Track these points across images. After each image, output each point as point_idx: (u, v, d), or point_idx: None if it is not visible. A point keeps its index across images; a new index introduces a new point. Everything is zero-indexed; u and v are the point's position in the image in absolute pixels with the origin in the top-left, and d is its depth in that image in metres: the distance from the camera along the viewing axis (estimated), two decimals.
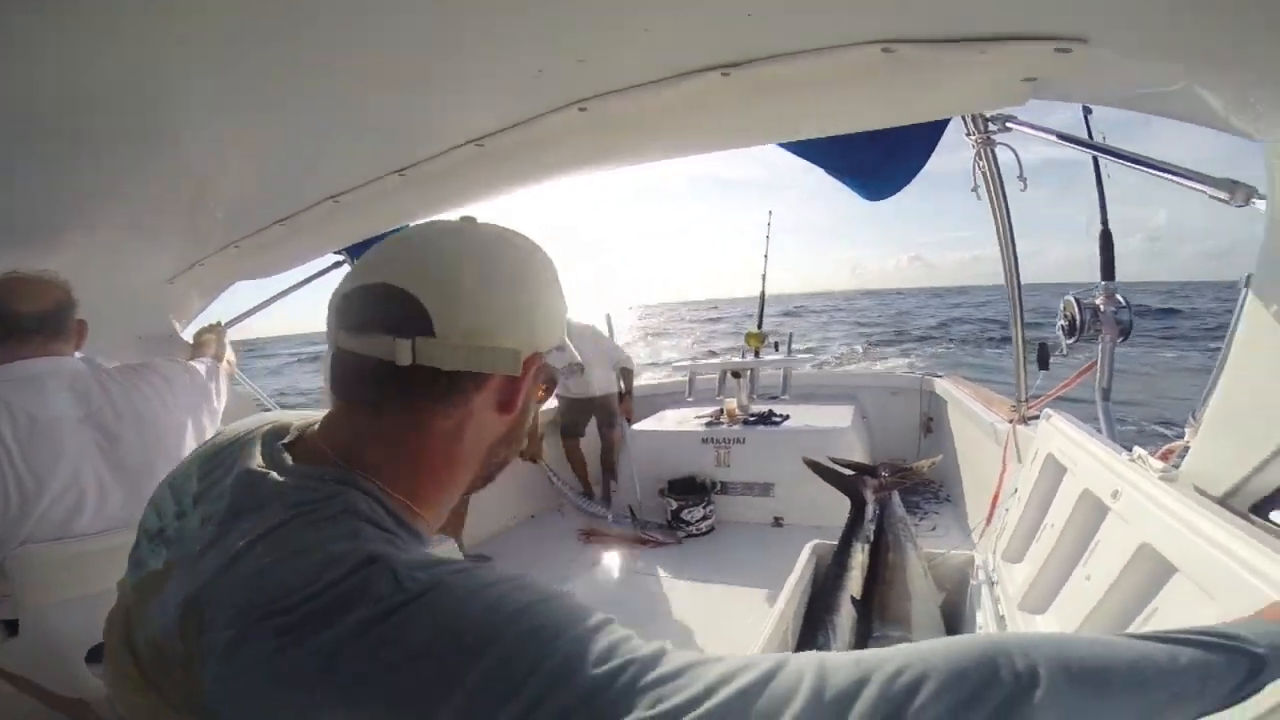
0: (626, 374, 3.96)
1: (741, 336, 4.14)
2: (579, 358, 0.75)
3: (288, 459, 0.54)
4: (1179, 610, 1.07)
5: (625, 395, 3.94)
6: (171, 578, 0.50)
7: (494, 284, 0.55)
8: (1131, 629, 1.18)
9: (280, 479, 0.51)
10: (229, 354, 1.80)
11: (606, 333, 4.20)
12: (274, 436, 0.57)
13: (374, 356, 0.51)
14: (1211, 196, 1.04)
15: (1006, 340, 2.56)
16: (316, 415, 0.61)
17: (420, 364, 0.51)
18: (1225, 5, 0.71)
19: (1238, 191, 1.00)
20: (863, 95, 1.06)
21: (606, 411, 3.96)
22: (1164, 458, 1.41)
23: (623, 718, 0.38)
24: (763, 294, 4.18)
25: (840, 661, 0.42)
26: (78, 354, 1.39)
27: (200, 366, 1.57)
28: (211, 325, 1.90)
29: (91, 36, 0.84)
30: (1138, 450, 1.40)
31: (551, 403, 4.04)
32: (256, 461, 0.53)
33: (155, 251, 1.85)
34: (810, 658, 0.42)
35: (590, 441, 4.07)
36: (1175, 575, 1.08)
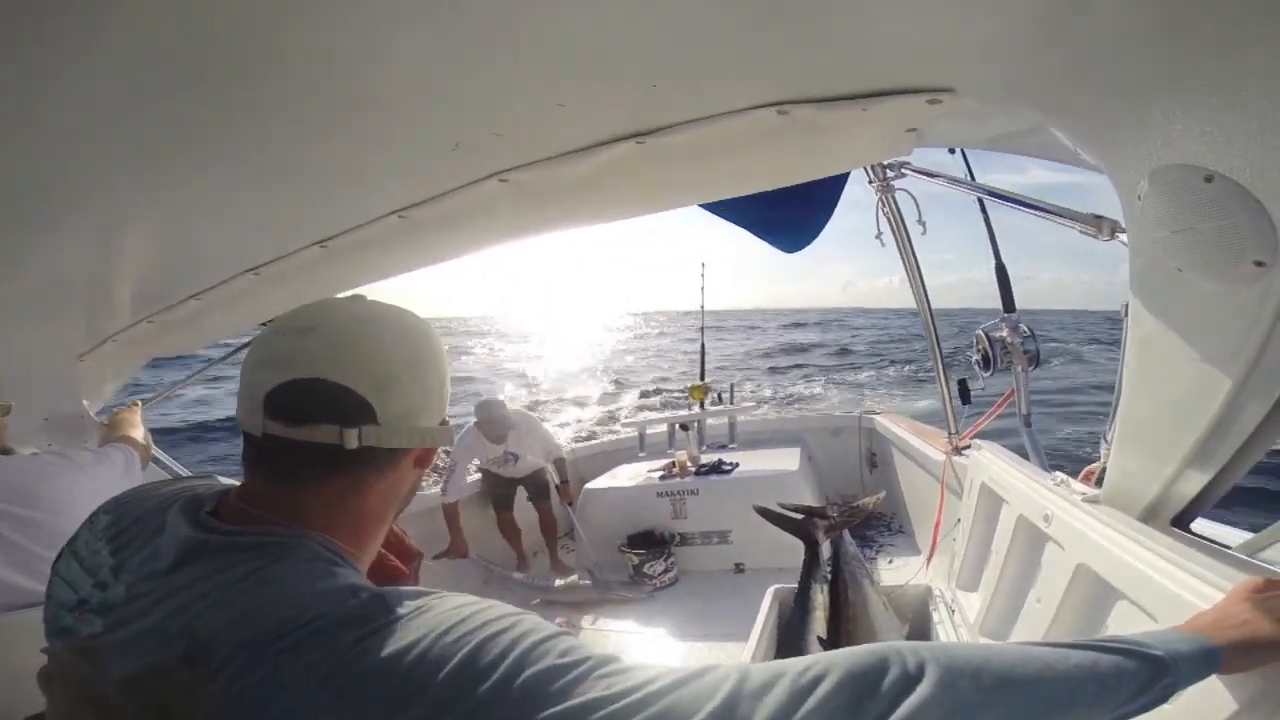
0: (560, 464, 3.88)
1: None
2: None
3: (221, 524, 0.58)
4: (1123, 627, 1.10)
5: (563, 485, 3.87)
6: (128, 632, 0.54)
7: (413, 370, 0.63)
8: None
9: (229, 539, 0.56)
10: (144, 436, 1.69)
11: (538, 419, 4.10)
12: (191, 507, 0.60)
13: (319, 443, 0.57)
14: (1081, 231, 1.15)
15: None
16: (218, 485, 0.67)
17: (366, 445, 0.58)
18: (1064, 57, 0.80)
19: (1104, 226, 1.10)
20: (765, 155, 1.13)
21: (534, 485, 3.86)
22: (1086, 479, 1.49)
23: (572, 693, 0.44)
24: (702, 347, 4.25)
25: (760, 665, 0.49)
26: None
27: (117, 454, 1.47)
28: (130, 403, 1.79)
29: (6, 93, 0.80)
30: (1059, 475, 1.49)
31: (475, 475, 3.96)
32: (189, 528, 0.57)
33: (62, 327, 1.75)
34: (735, 665, 0.49)
35: (522, 514, 3.93)
36: (1114, 595, 1.13)
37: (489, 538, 3.88)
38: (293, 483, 0.60)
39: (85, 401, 2.07)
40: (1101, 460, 1.39)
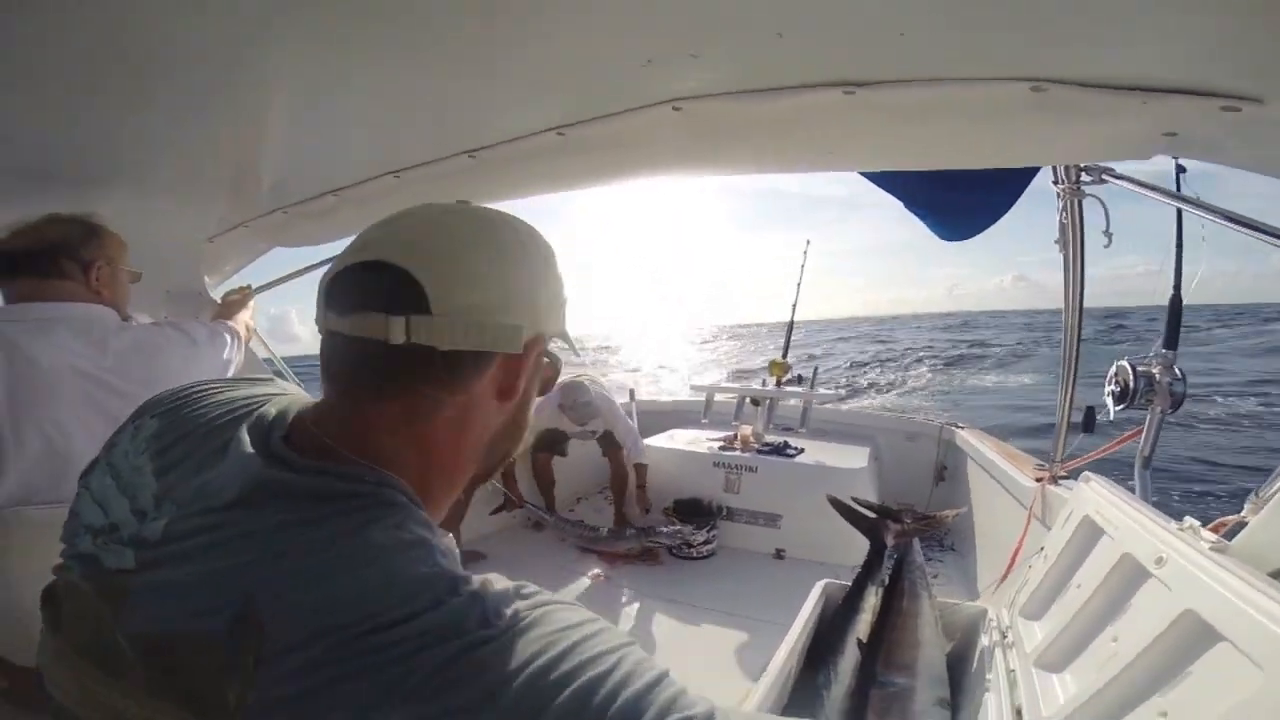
0: (640, 470, 3.65)
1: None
2: (578, 356, 0.73)
3: (294, 455, 0.49)
4: (1218, 675, 1.02)
5: (640, 490, 3.68)
6: (164, 578, 0.45)
7: (493, 260, 0.53)
8: (1161, 691, 1.14)
9: (305, 479, 0.47)
10: (251, 319, 1.73)
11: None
12: (262, 427, 0.52)
13: (367, 338, 0.48)
14: None
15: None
16: (297, 400, 0.57)
17: (416, 343, 0.48)
18: None
19: None
20: (994, 132, 1.01)
21: (604, 441, 3.76)
22: (1214, 530, 1.37)
23: None
24: (790, 324, 4.12)
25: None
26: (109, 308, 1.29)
27: (226, 334, 1.49)
28: (241, 288, 1.83)
29: None
30: (1189, 520, 1.36)
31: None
32: (259, 460, 0.48)
33: (201, 208, 1.77)
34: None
35: (571, 462, 3.84)
36: (1219, 643, 1.04)
37: (529, 479, 3.82)
38: (351, 397, 0.51)
39: (206, 279, 2.13)
40: (1243, 514, 1.27)
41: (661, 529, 3.42)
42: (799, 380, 4.01)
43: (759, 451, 3.66)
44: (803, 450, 3.66)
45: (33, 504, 1.11)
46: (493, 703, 0.38)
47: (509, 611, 0.43)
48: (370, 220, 0.54)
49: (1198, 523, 1.36)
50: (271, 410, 0.54)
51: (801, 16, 0.87)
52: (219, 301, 1.81)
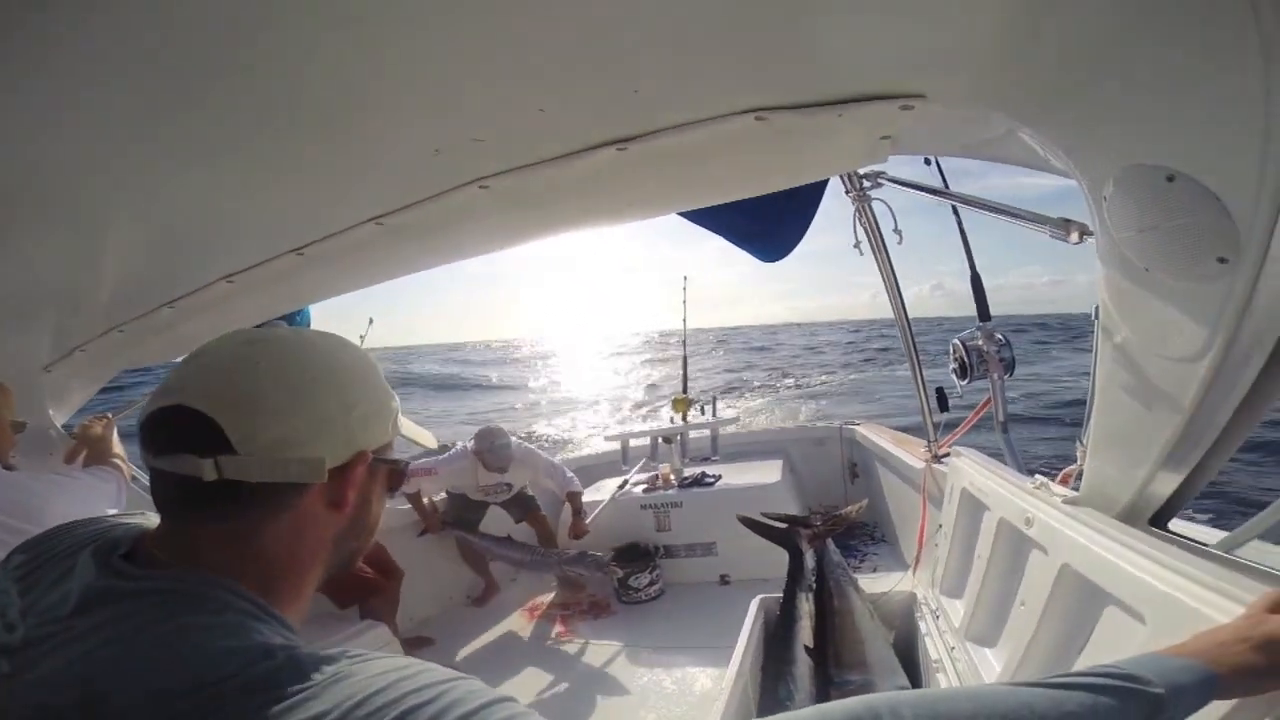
0: (574, 497, 3.66)
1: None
2: (433, 443, 0.79)
3: (131, 568, 0.54)
4: (1112, 632, 1.11)
5: (576, 516, 3.66)
6: (29, 679, 0.50)
7: (294, 394, 0.56)
8: (1072, 654, 1.22)
9: (133, 584, 0.52)
10: (118, 450, 1.64)
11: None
12: (105, 549, 0.57)
13: (184, 474, 0.53)
14: (1051, 235, 1.18)
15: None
16: (147, 523, 0.62)
17: (228, 478, 0.52)
18: (1030, 63, 0.83)
19: (1072, 229, 1.13)
20: (744, 162, 1.15)
21: (519, 503, 3.74)
22: (1064, 481, 1.50)
23: None
24: (684, 360, 4.27)
25: None
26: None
27: (110, 478, 1.45)
28: (97, 417, 1.73)
29: None
30: (1039, 477, 1.49)
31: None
32: (95, 572, 0.54)
33: (31, 335, 1.69)
34: None
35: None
36: (1100, 596, 1.13)
37: (448, 566, 3.71)
38: (181, 522, 0.56)
39: (52, 413, 2.00)
40: (1078, 463, 1.41)
41: (587, 558, 3.44)
42: (702, 411, 4.14)
43: (680, 486, 3.72)
44: (720, 476, 3.75)
45: None
46: None
47: (329, 668, 0.46)
48: (210, 330, 0.56)
49: (1045, 478, 1.48)
50: (118, 534, 0.59)
51: (553, 91, 0.98)
52: (73, 435, 1.72)
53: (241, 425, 0.53)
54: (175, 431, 0.53)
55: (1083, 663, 1.18)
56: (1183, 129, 0.70)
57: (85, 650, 0.48)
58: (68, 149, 0.95)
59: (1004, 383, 2.17)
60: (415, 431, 0.72)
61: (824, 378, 23.43)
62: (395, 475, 0.66)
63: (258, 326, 1.63)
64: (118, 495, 1.43)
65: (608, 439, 4.59)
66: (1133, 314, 0.97)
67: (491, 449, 3.42)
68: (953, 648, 1.81)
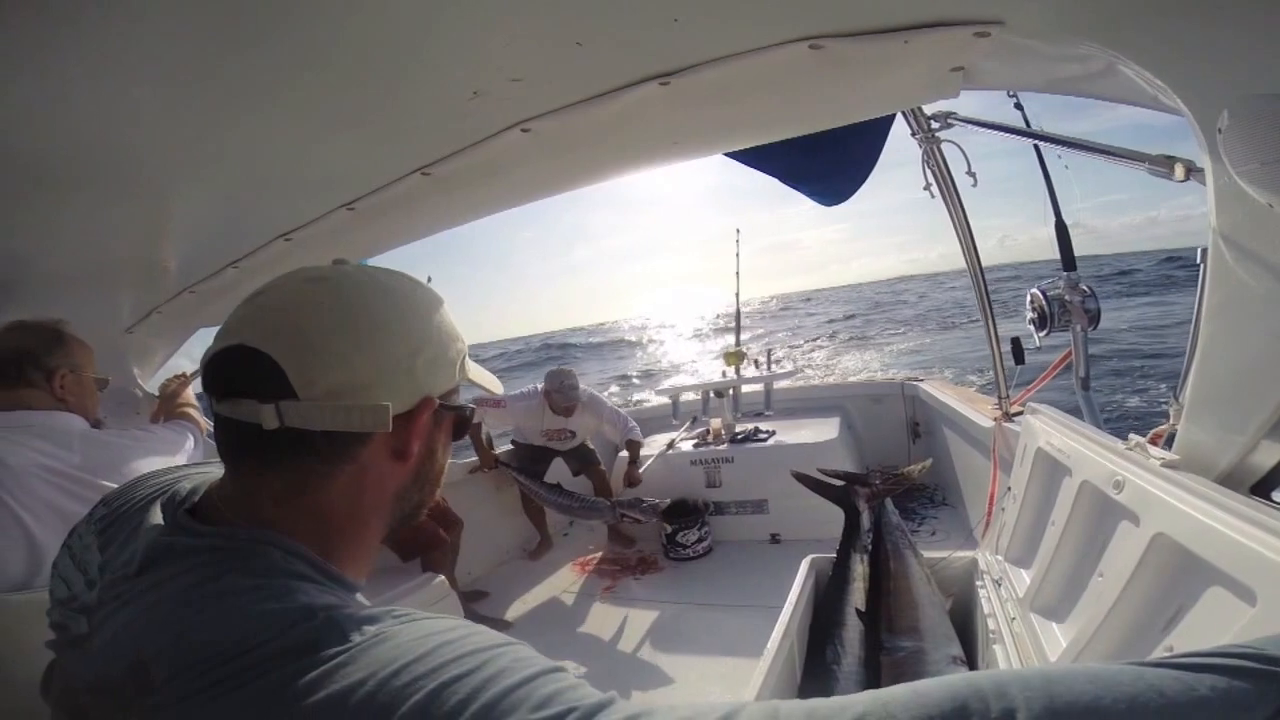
0: (632, 445, 3.66)
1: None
2: (499, 389, 0.74)
3: (193, 523, 0.53)
4: (1212, 611, 1.00)
5: (632, 465, 3.64)
6: (97, 638, 0.51)
7: (358, 338, 0.52)
8: (1154, 633, 1.14)
9: (191, 540, 0.51)
10: (194, 404, 1.74)
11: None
12: (173, 502, 0.56)
13: (244, 420, 0.50)
14: (1151, 172, 1.04)
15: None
16: (207, 476, 0.61)
17: (290, 426, 0.50)
18: None
19: (1176, 167, 1.00)
20: (798, 95, 1.06)
21: (581, 455, 3.78)
22: (1153, 442, 1.37)
23: None
24: (738, 313, 4.17)
25: (792, 709, 0.40)
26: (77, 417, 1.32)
27: (187, 432, 1.52)
28: (177, 375, 1.84)
29: (43, 89, 0.84)
30: (1134, 438, 1.36)
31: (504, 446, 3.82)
32: (160, 526, 0.54)
33: (110, 300, 1.81)
34: (763, 706, 0.40)
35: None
36: (1201, 570, 1.02)
37: (505, 519, 3.80)
38: (240, 472, 0.54)
39: (137, 373, 2.15)
40: (1170, 423, 1.27)
41: (642, 504, 3.44)
42: (756, 365, 4.05)
43: (732, 441, 3.67)
44: (774, 432, 3.68)
45: (9, 593, 1.14)
46: (342, 713, 0.38)
47: (370, 628, 0.43)
48: None
49: (1142, 439, 1.34)
50: (186, 486, 0.58)
51: (589, 23, 0.93)
52: (156, 394, 1.83)
53: (304, 368, 0.50)
54: (237, 374, 0.51)
55: (1170, 643, 1.08)
56: None
57: (140, 613, 0.49)
58: (125, 119, 0.97)
59: (1087, 335, 2.01)
60: (483, 376, 0.68)
61: (920, 337, 22.10)
62: (462, 423, 0.62)
63: None
64: (193, 448, 1.50)
65: (658, 393, 4.58)
66: (1252, 257, 0.86)
67: (560, 389, 3.44)
68: (1013, 619, 1.72)
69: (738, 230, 4.22)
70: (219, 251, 1.66)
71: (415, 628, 0.44)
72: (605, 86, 1.08)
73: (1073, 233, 1.93)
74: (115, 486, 1.31)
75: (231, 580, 0.47)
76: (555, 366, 3.59)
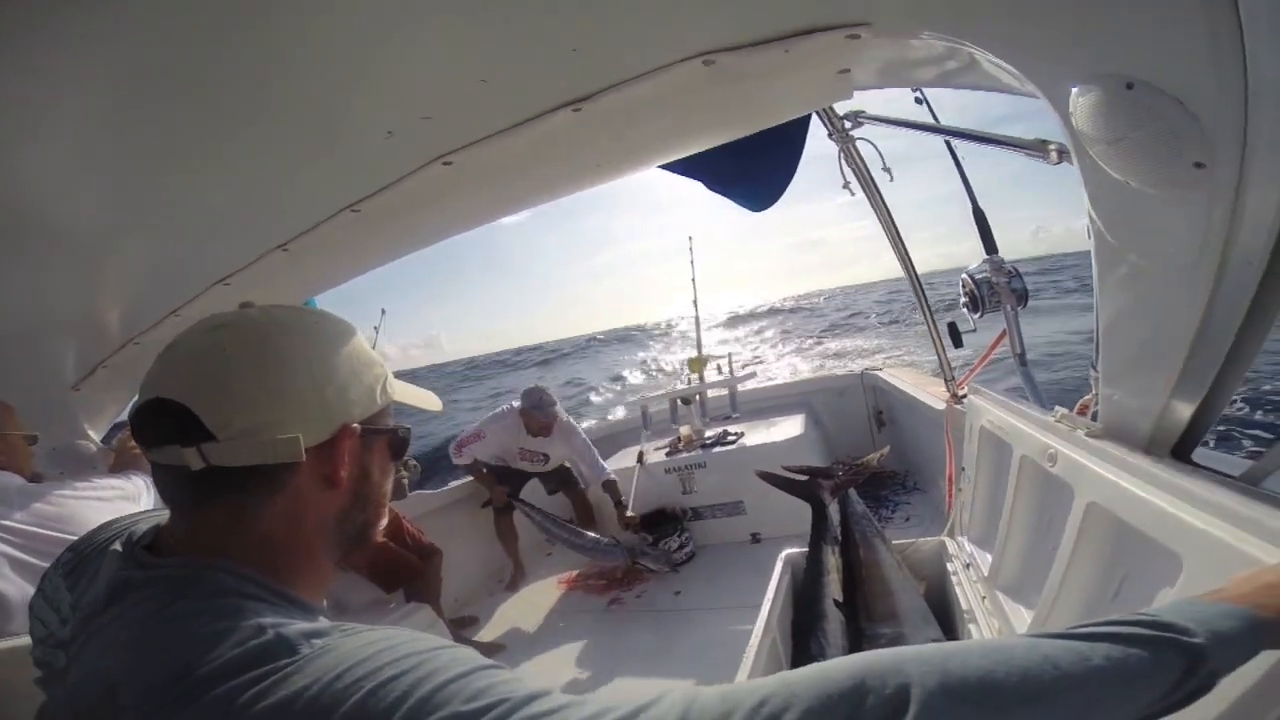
0: (612, 486, 3.59)
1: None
2: (435, 406, 0.75)
3: (148, 557, 0.56)
4: (1149, 575, 1.03)
5: (618, 506, 3.55)
6: (74, 670, 0.54)
7: (262, 376, 0.56)
8: (1104, 600, 1.16)
9: (146, 573, 0.54)
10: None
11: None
12: (130, 541, 0.59)
13: (175, 465, 0.54)
14: (1029, 156, 1.11)
15: None
16: (161, 517, 0.63)
17: (215, 465, 0.53)
18: None
19: (1049, 149, 1.06)
20: (702, 109, 1.11)
21: (559, 477, 3.76)
22: (1081, 411, 1.39)
23: None
24: (697, 319, 4.23)
25: (708, 695, 0.42)
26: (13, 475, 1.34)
27: (134, 476, 1.52)
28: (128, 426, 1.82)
29: None
30: (1059, 409, 1.40)
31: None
32: (119, 563, 0.57)
33: (54, 358, 1.79)
34: (683, 692, 0.43)
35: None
36: (1133, 536, 1.05)
37: (487, 545, 3.76)
38: (182, 512, 0.58)
39: (89, 430, 2.11)
40: (1093, 392, 1.33)
41: (647, 549, 3.42)
42: (719, 370, 4.10)
43: (703, 447, 3.71)
44: (742, 434, 3.73)
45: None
46: (288, 715, 0.41)
47: (317, 641, 0.46)
48: None
49: (1067, 410, 1.38)
50: (143, 527, 0.62)
51: (491, 60, 0.96)
52: (112, 449, 1.81)
53: (217, 412, 0.53)
54: (159, 424, 0.54)
55: (1119, 609, 1.11)
56: (1133, 33, 0.65)
57: (106, 644, 0.51)
58: (50, 176, 0.98)
59: (1018, 314, 2.09)
60: (414, 395, 0.70)
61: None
62: (397, 443, 0.65)
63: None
64: (144, 490, 1.49)
65: (627, 405, 4.60)
66: (1123, 230, 0.91)
67: (539, 404, 3.42)
68: (984, 597, 1.76)
69: (690, 238, 4.29)
70: (159, 301, 1.64)
71: (359, 638, 0.46)
72: (519, 117, 1.12)
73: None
74: (60, 535, 1.31)
75: (184, 605, 0.50)
76: (531, 386, 3.57)
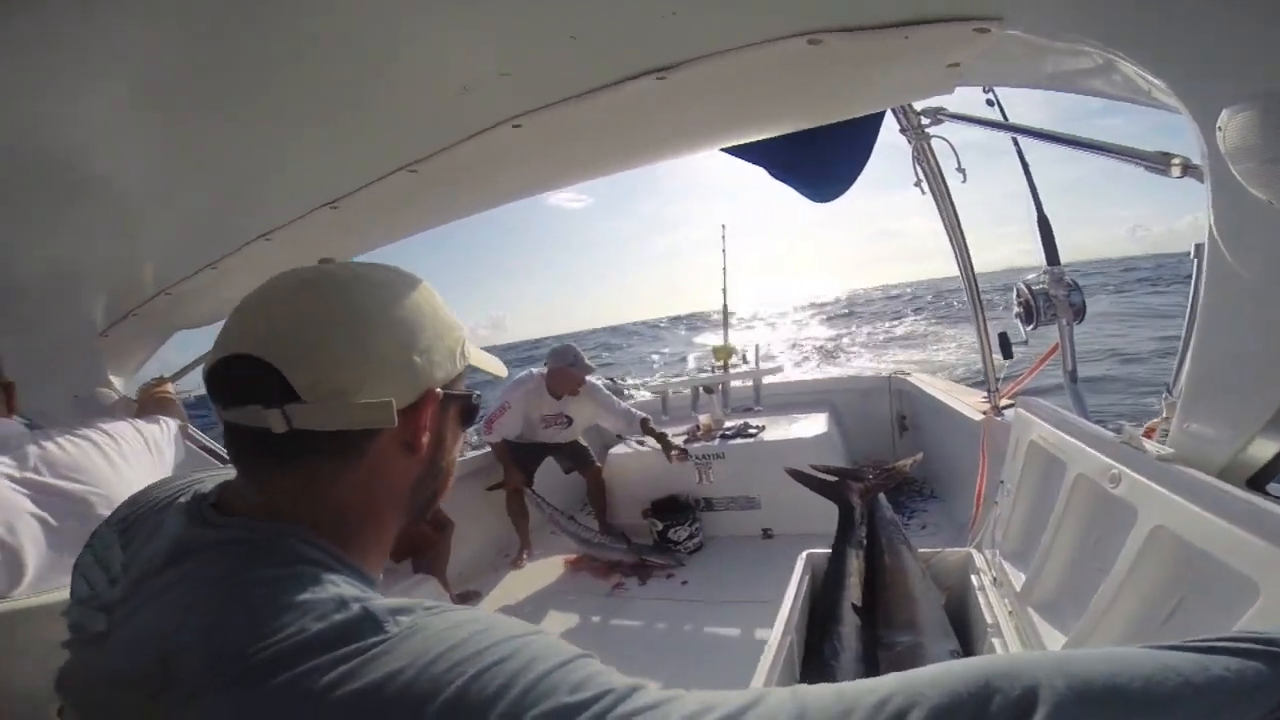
0: (647, 424, 3.53)
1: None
2: (503, 372, 0.73)
3: (217, 516, 0.54)
4: (1215, 602, 1.01)
5: (661, 439, 3.49)
6: (120, 634, 0.50)
7: (352, 335, 0.53)
8: (1154, 624, 1.14)
9: (214, 534, 0.51)
10: (179, 410, 1.69)
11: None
12: (196, 499, 0.57)
13: (253, 426, 0.51)
14: (1149, 169, 1.04)
15: None
16: (226, 477, 0.60)
17: (298, 428, 0.50)
18: None
19: (1173, 164, 1.00)
20: (795, 91, 1.04)
21: (575, 453, 3.71)
22: (1148, 435, 1.37)
23: None
24: (725, 308, 4.17)
25: (821, 692, 0.40)
26: (17, 418, 1.29)
27: (151, 426, 1.45)
28: (155, 380, 1.79)
29: (13, 95, 0.81)
30: (1128, 430, 1.35)
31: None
32: (184, 521, 0.54)
33: (84, 305, 1.75)
34: (788, 690, 0.41)
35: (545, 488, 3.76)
36: (1203, 562, 1.02)
37: (494, 520, 3.70)
38: (253, 475, 0.55)
39: (114, 378, 2.08)
40: (1163, 417, 1.28)
41: (652, 544, 3.40)
42: (744, 360, 4.04)
43: (723, 437, 3.67)
44: (763, 427, 3.68)
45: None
46: (382, 701, 0.39)
47: (405, 619, 0.44)
48: (253, 289, 0.54)
49: (1137, 432, 1.34)
50: (208, 484, 0.59)
51: (584, 15, 0.90)
52: (134, 399, 1.77)
53: (305, 372, 0.51)
54: (240, 382, 0.51)
55: (1171, 631, 1.09)
56: None
57: (163, 608, 0.48)
58: (99, 124, 0.94)
59: (1073, 329, 2.02)
60: (485, 360, 0.68)
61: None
62: (469, 410, 0.63)
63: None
64: (164, 440, 1.42)
65: (648, 389, 4.56)
66: (1250, 253, 0.86)
67: (575, 362, 3.37)
68: (1010, 612, 1.73)
69: (723, 226, 4.21)
70: (197, 253, 1.60)
71: (446, 618, 0.44)
72: (600, 81, 1.06)
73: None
74: (73, 485, 1.24)
75: (260, 571, 0.47)
76: (559, 346, 3.49)
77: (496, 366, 0.71)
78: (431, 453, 0.58)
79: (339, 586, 0.46)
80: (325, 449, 0.52)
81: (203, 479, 0.62)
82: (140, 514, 0.60)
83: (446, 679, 0.39)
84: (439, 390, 0.57)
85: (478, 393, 0.64)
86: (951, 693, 0.39)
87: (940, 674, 0.41)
